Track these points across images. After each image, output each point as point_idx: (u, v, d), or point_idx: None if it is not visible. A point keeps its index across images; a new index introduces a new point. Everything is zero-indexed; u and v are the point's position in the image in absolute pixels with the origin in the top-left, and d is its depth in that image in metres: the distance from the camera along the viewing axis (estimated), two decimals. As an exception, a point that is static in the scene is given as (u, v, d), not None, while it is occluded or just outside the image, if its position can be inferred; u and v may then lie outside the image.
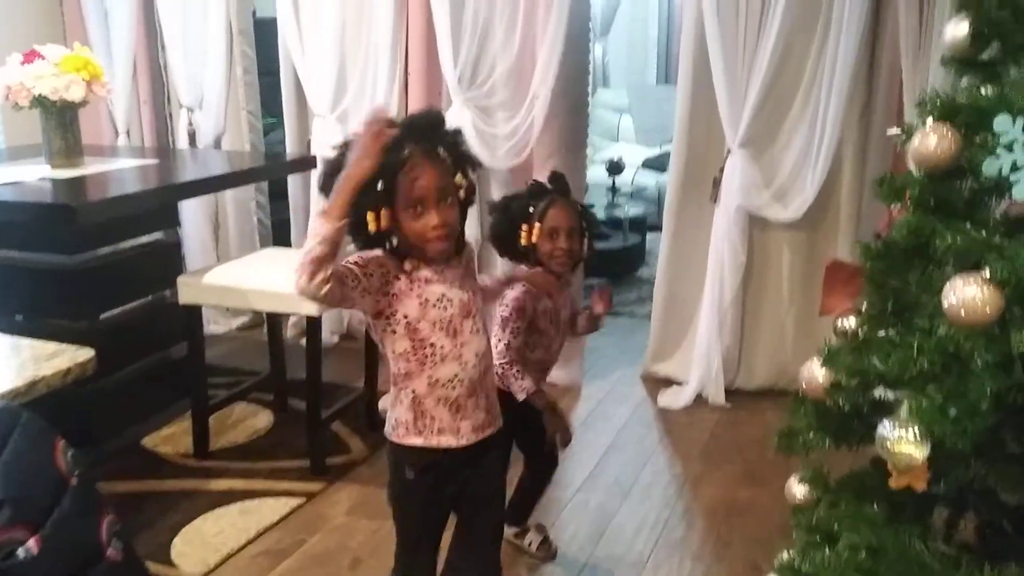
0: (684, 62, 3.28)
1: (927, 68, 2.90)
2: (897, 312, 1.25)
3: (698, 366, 3.40)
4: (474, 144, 3.48)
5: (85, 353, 1.33)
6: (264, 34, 4.04)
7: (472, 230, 3.22)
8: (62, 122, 2.99)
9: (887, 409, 1.19)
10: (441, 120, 1.58)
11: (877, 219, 3.15)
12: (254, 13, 4.08)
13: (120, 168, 3.14)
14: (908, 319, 1.21)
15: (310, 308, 2.72)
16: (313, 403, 2.85)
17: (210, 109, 3.99)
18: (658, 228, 5.81)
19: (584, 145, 3.62)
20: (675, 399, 3.40)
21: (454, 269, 1.61)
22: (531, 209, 2.07)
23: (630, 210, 5.46)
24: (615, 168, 5.64)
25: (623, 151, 6.47)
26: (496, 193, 3.61)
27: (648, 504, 2.71)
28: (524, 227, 2.06)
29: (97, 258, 3.02)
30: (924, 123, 1.26)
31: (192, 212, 4.07)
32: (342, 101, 3.73)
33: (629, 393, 3.54)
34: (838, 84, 3.04)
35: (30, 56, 2.89)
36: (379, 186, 1.47)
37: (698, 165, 3.35)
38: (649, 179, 6.30)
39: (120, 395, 3.04)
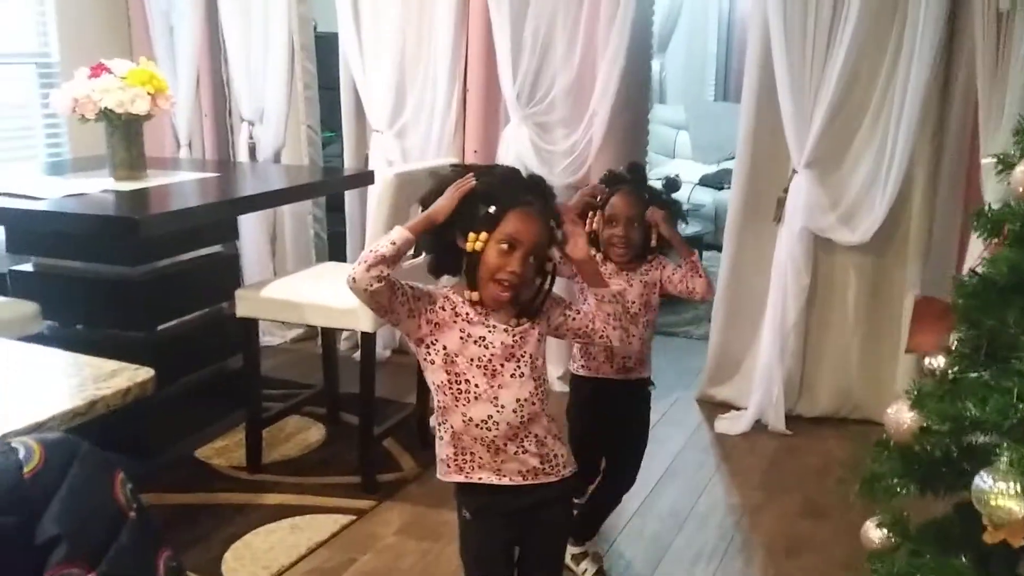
0: (749, 80, 3.22)
1: (1004, 90, 2.79)
2: (992, 353, 1.17)
3: (758, 391, 3.31)
4: (532, 160, 3.47)
5: (145, 373, 1.32)
6: (324, 49, 4.07)
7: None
8: (127, 135, 3.03)
9: (980, 455, 1.11)
10: (552, 193, 1.64)
11: (948, 245, 3.08)
12: (315, 28, 4.11)
13: (182, 181, 3.17)
14: (1004, 360, 1.13)
15: (365, 323, 2.71)
16: (366, 420, 2.83)
17: (270, 123, 4.03)
18: (715, 247, 5.77)
19: (644, 162, 3.56)
20: (733, 425, 3.31)
21: (505, 318, 1.59)
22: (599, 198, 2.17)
23: (687, 228, 5.37)
24: (672, 185, 5.55)
25: (680, 168, 6.39)
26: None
27: (705, 534, 2.63)
28: (591, 214, 2.14)
29: (157, 270, 3.05)
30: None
31: (251, 225, 4.10)
32: (401, 117, 3.74)
33: (685, 417, 3.46)
34: (909, 105, 2.94)
35: (97, 70, 2.93)
36: (490, 209, 1.52)
37: (761, 184, 3.27)
38: (706, 197, 6.21)
39: (175, 406, 3.06)
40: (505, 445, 1.59)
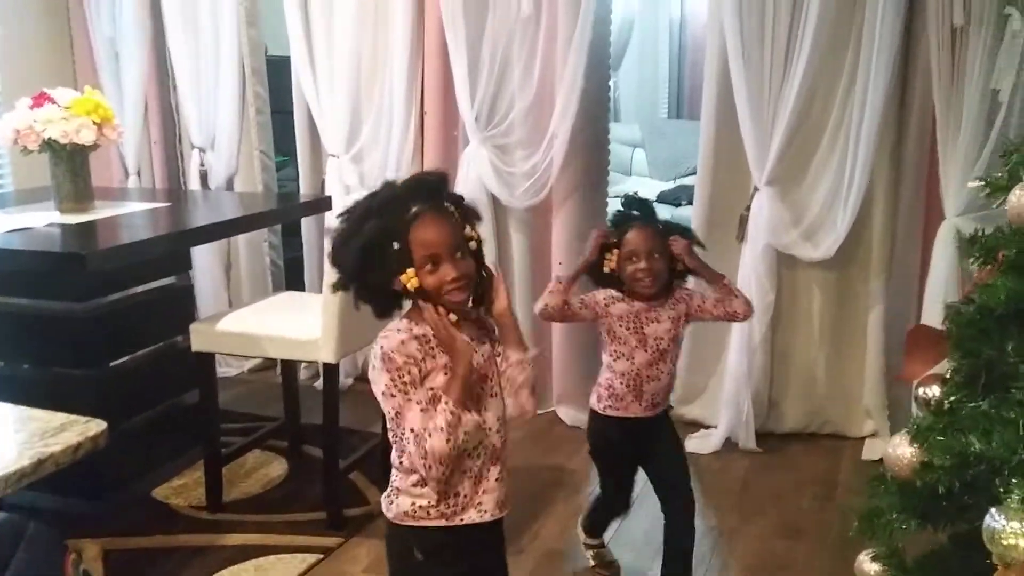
0: (708, 97, 3.21)
1: (960, 103, 2.82)
2: (989, 383, 1.14)
3: (727, 409, 3.28)
4: (492, 183, 3.42)
5: (96, 426, 1.23)
6: (275, 73, 3.99)
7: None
8: (72, 166, 2.92)
9: (982, 488, 1.08)
10: (445, 178, 1.58)
11: (911, 258, 3.09)
12: (266, 51, 4.03)
13: (131, 212, 3.06)
14: (1004, 390, 1.10)
15: (327, 354, 2.63)
16: (331, 455, 2.74)
17: (222, 150, 3.93)
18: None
19: (605, 182, 3.54)
20: (704, 444, 3.27)
21: (472, 330, 1.55)
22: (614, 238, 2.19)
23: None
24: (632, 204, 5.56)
25: (637, 185, 6.39)
26: (515, 235, 3.53)
27: (682, 560, 2.58)
28: (607, 255, 2.17)
29: (107, 305, 2.94)
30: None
31: (204, 254, 3.99)
32: (357, 140, 3.67)
33: (654, 438, 3.42)
34: (868, 121, 2.95)
35: (40, 99, 2.83)
36: (395, 246, 1.46)
37: (723, 202, 3.26)
38: (664, 213, 6.21)
39: (130, 444, 2.93)
40: (488, 471, 1.56)
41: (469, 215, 1.56)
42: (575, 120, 3.29)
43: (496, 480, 1.57)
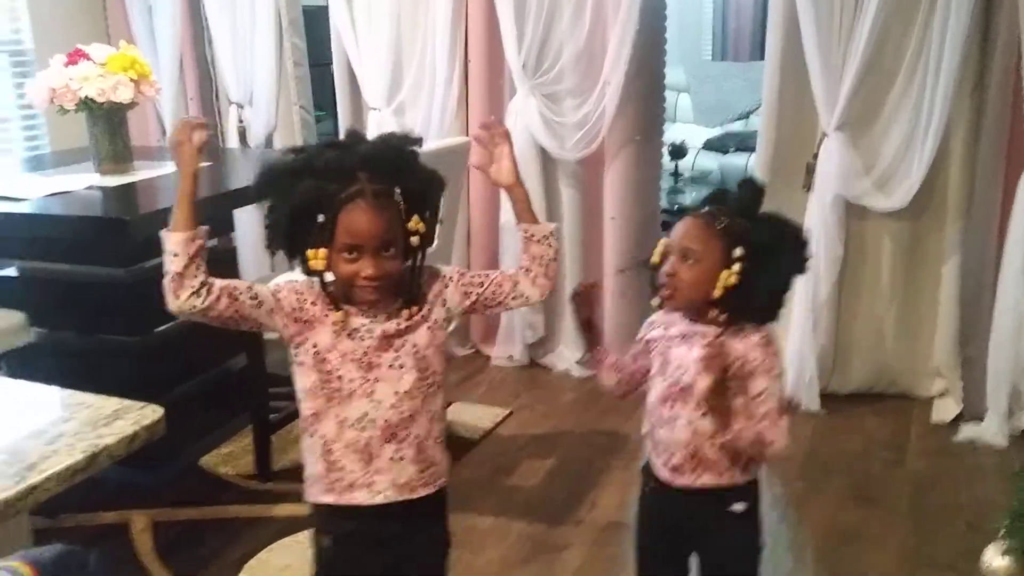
0: (773, 37, 3.01)
1: (1050, 39, 2.61)
2: None
3: (790, 369, 3.13)
4: (541, 134, 3.27)
5: (152, 412, 1.14)
6: (312, 24, 3.85)
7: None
8: (110, 125, 2.82)
9: None
10: (409, 153, 1.41)
11: (991, 206, 2.90)
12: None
13: (171, 172, 2.95)
14: None
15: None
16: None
17: (260, 105, 3.82)
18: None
19: (660, 132, 3.39)
20: (766, 405, 3.14)
21: (389, 307, 1.42)
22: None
23: (697, 197, 5.18)
24: (678, 152, 5.38)
25: (682, 133, 6.19)
26: (564, 189, 3.39)
27: (750, 528, 2.48)
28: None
29: (149, 269, 2.82)
30: None
31: (245, 215, 3.89)
32: (399, 93, 3.54)
33: (714, 398, 3.30)
34: (947, 60, 2.75)
35: (74, 56, 2.72)
36: (319, 219, 1.33)
37: (788, 150, 3.07)
38: (712, 162, 6.02)
39: (177, 412, 2.85)
40: (381, 448, 1.42)
41: (421, 205, 1.40)
42: (628, 66, 3.12)
43: (391, 459, 1.42)
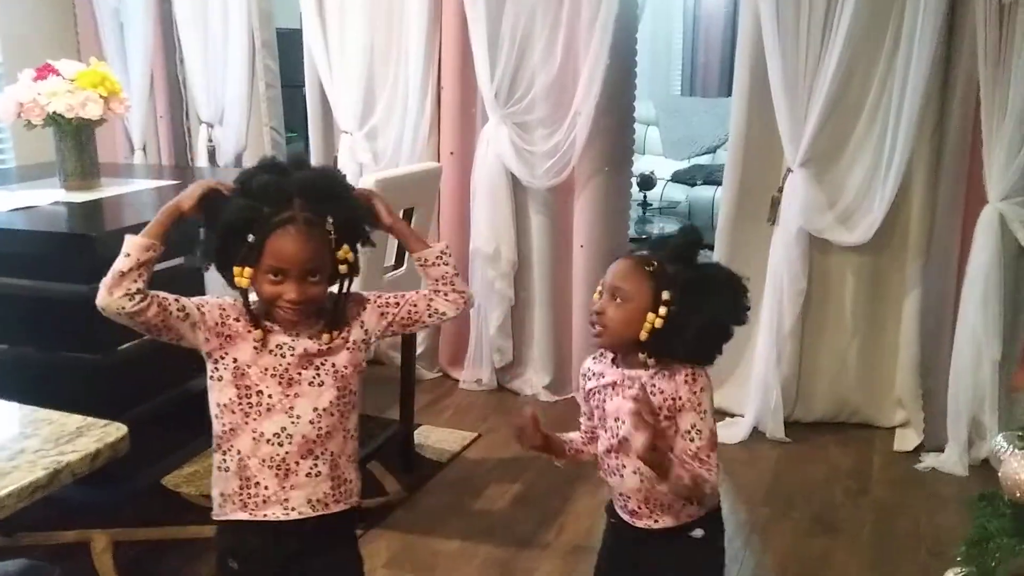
0: (740, 74, 3.08)
1: (1007, 84, 2.69)
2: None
3: (755, 398, 3.18)
4: (512, 162, 3.30)
5: (116, 430, 1.13)
6: (285, 46, 3.86)
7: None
8: (77, 141, 2.79)
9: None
10: (343, 186, 1.46)
11: (950, 243, 2.97)
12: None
13: (138, 190, 2.94)
14: None
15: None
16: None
17: (231, 124, 3.81)
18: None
19: (630, 162, 3.42)
20: (731, 433, 3.17)
21: (311, 327, 1.46)
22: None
23: (665, 227, 5.25)
24: (647, 183, 5.45)
25: (651, 164, 6.27)
26: (535, 216, 3.41)
27: (714, 556, 2.49)
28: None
29: (114, 287, 2.81)
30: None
31: (212, 233, 3.87)
32: (371, 117, 3.55)
33: (679, 426, 3.32)
34: (909, 99, 2.82)
35: (44, 71, 2.70)
36: (249, 238, 1.37)
37: (754, 184, 3.13)
38: (679, 193, 6.10)
39: (139, 430, 2.82)
40: (297, 464, 1.45)
41: (351, 235, 1.44)
42: (599, 99, 3.16)
43: (307, 475, 1.46)
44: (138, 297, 1.37)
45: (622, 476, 1.55)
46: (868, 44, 2.88)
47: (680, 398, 1.47)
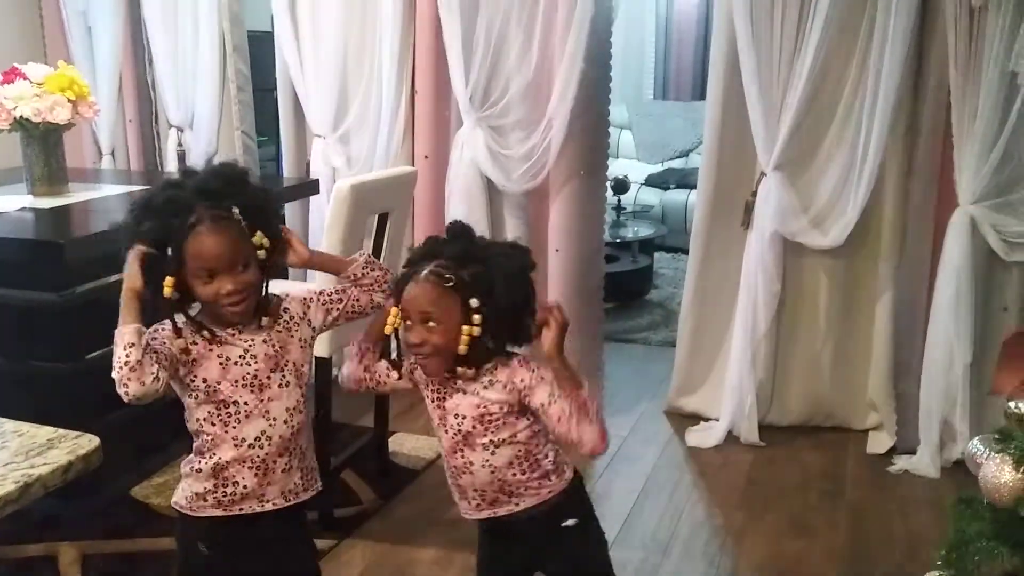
0: (714, 78, 3.09)
1: (977, 87, 2.72)
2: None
3: (729, 401, 3.18)
4: (487, 166, 3.28)
5: (88, 442, 1.10)
6: (256, 48, 3.81)
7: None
8: (45, 146, 2.75)
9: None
10: (238, 177, 1.51)
11: (923, 245, 3.00)
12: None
13: (106, 195, 2.90)
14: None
15: (319, 348, 2.49)
16: (323, 453, 2.60)
17: (201, 129, 3.76)
18: (666, 249, 5.68)
19: (605, 167, 3.42)
20: (705, 437, 3.18)
21: (258, 328, 1.54)
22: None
23: (639, 232, 5.25)
24: (621, 187, 5.45)
25: (624, 168, 6.29)
26: (510, 220, 3.40)
27: (691, 562, 2.48)
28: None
29: (83, 295, 2.75)
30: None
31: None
32: (344, 120, 3.52)
33: (654, 430, 3.32)
34: (881, 103, 2.84)
35: (10, 75, 2.65)
36: (168, 252, 1.43)
37: (728, 187, 3.14)
38: (653, 197, 6.12)
39: (108, 441, 2.77)
40: (275, 462, 1.54)
41: (262, 220, 1.50)
42: (574, 103, 3.15)
43: (283, 471, 1.55)
44: (161, 374, 1.41)
45: (472, 473, 1.56)
46: (841, 48, 2.90)
47: (523, 380, 1.52)
